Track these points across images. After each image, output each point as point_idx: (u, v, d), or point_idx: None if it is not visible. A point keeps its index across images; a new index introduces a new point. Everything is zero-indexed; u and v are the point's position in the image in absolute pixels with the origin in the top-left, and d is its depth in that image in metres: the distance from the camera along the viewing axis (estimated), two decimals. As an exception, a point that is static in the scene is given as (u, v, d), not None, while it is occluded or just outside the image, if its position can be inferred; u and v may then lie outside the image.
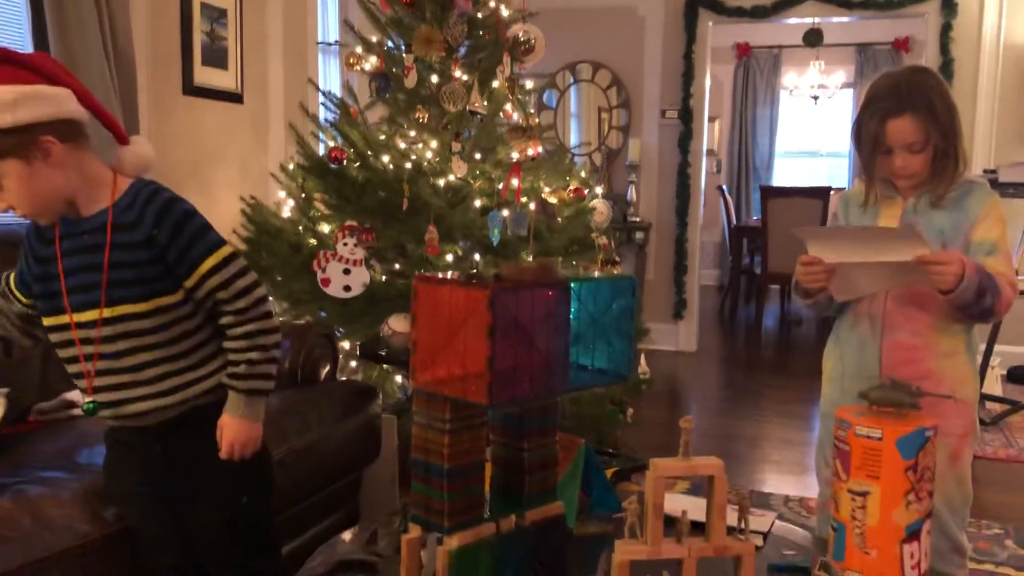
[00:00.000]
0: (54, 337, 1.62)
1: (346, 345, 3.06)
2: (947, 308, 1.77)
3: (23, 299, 1.68)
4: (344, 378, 2.94)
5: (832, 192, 6.44)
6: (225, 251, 1.62)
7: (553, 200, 3.14)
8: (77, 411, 2.19)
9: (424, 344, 1.38)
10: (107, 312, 1.56)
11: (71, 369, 1.62)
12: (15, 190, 1.51)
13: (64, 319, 1.59)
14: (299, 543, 2.16)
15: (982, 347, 4.17)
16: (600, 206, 3.37)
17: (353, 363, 3.19)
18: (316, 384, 2.56)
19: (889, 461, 1.26)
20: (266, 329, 1.64)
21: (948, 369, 1.83)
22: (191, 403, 1.62)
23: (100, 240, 1.56)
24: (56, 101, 1.52)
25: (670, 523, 1.10)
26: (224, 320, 1.63)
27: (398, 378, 3.09)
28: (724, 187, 8.04)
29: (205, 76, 3.56)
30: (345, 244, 2.89)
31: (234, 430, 1.61)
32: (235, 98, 3.76)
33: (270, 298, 1.63)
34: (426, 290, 1.38)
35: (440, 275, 1.72)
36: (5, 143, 1.47)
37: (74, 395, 2.22)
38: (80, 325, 1.58)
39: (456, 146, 3.00)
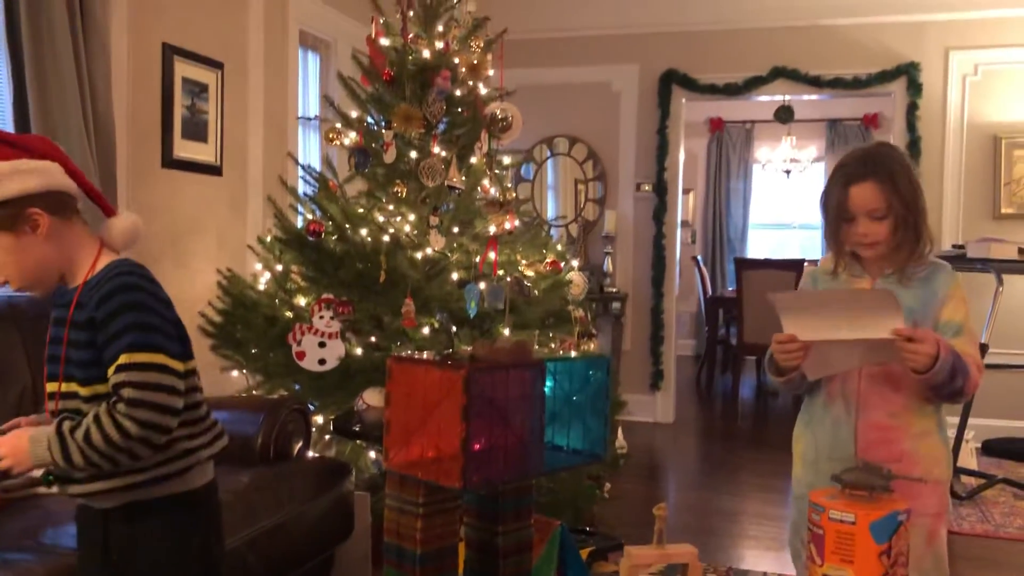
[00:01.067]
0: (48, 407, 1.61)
1: (320, 419, 3.03)
2: (920, 388, 1.78)
3: None
4: (317, 453, 2.90)
5: (806, 264, 6.54)
6: (152, 358, 1.49)
7: (530, 273, 3.17)
8: (42, 488, 2.14)
9: (398, 424, 1.37)
10: (63, 387, 1.56)
11: None
12: (6, 263, 1.52)
13: (51, 387, 1.59)
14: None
15: (953, 421, 4.20)
16: (576, 278, 3.40)
17: (327, 437, 3.15)
18: (288, 460, 2.53)
19: (862, 545, 1.26)
20: (132, 447, 1.47)
21: (922, 449, 1.84)
22: (131, 494, 1.54)
23: (65, 315, 1.56)
24: (43, 173, 1.53)
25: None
26: (115, 402, 1.49)
27: (372, 454, 3.06)
28: (699, 258, 8.13)
29: (185, 149, 3.59)
30: (321, 317, 2.88)
31: (16, 447, 1.50)
32: (214, 171, 3.79)
33: (160, 441, 1.51)
34: (401, 370, 1.38)
35: (415, 355, 1.72)
36: None
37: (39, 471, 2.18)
38: (50, 396, 1.57)
39: (434, 220, 3.03)
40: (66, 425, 1.48)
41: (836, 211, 1.88)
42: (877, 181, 1.82)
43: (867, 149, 1.90)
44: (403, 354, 1.70)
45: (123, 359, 1.48)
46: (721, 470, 4.92)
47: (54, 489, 1.57)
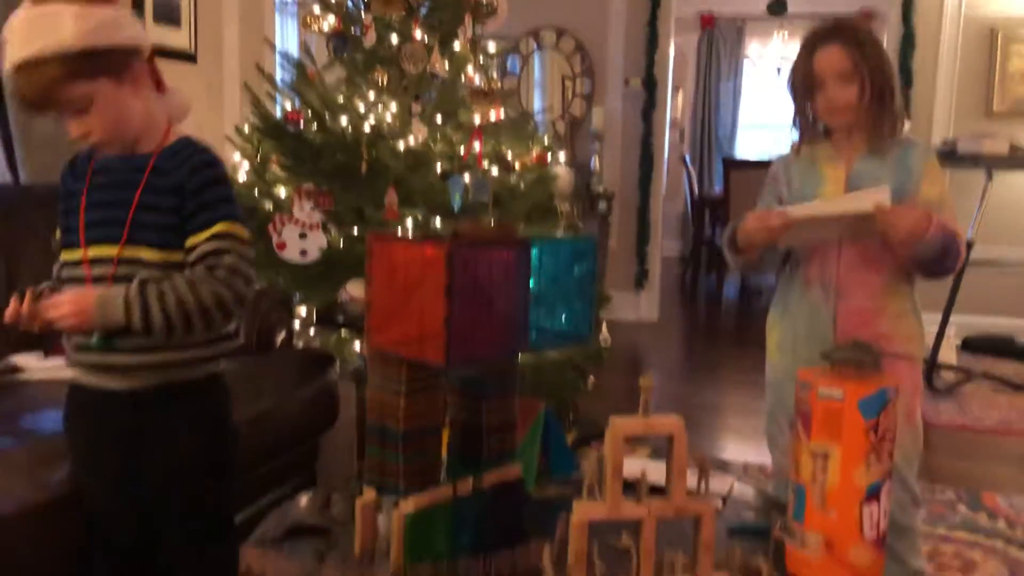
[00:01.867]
0: (66, 273, 1.54)
1: (303, 311, 3.00)
2: (898, 269, 1.79)
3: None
4: (301, 344, 2.89)
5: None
6: (245, 234, 1.55)
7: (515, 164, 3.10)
8: (23, 375, 2.12)
9: (379, 304, 1.34)
10: (125, 251, 1.50)
11: None
12: (99, 111, 1.46)
13: (77, 254, 1.52)
14: (254, 510, 2.11)
15: (935, 318, 4.23)
16: (562, 172, 3.34)
17: (311, 331, 3.13)
18: (271, 351, 2.51)
19: (850, 422, 1.25)
20: (213, 315, 1.48)
21: (900, 329, 1.86)
22: (171, 373, 1.52)
23: (136, 179, 1.52)
24: (142, 31, 1.54)
25: (630, 488, 1.08)
26: (194, 271, 1.50)
27: (356, 345, 3.04)
28: (687, 158, 8.04)
29: (156, 34, 3.44)
30: (302, 208, 2.82)
31: (82, 306, 1.45)
32: (188, 57, 3.65)
33: (237, 314, 1.55)
34: (381, 249, 1.33)
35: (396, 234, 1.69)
36: (104, 61, 1.44)
37: (22, 359, 2.15)
38: (94, 261, 1.51)
39: (416, 108, 2.94)
40: (151, 287, 1.45)
41: (803, 82, 1.84)
42: (843, 43, 1.79)
43: (832, 19, 1.86)
44: (384, 233, 1.66)
45: (221, 228, 1.51)
46: (703, 366, 4.97)
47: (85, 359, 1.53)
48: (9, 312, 1.45)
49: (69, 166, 1.60)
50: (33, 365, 2.13)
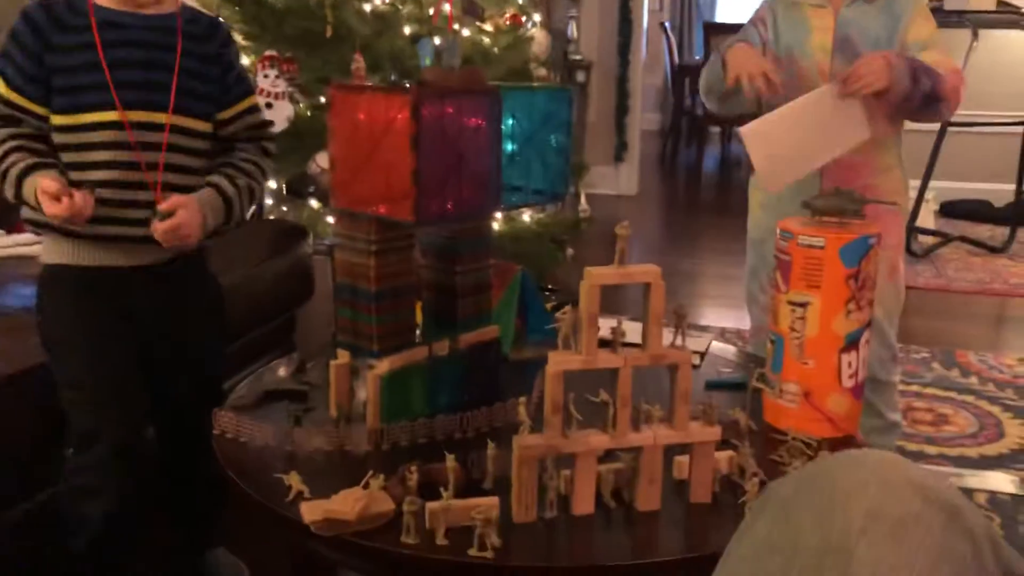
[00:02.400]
0: (94, 137, 1.40)
1: (272, 183, 2.92)
2: (884, 123, 1.74)
3: (31, 104, 1.41)
4: (272, 217, 2.83)
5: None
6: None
7: (488, 28, 2.98)
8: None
9: (344, 160, 1.28)
10: (175, 119, 1.45)
11: (109, 176, 1.41)
12: None
13: (111, 115, 1.40)
14: (233, 382, 2.11)
15: (915, 184, 4.20)
16: (539, 35, 3.21)
17: (283, 207, 3.06)
18: (241, 223, 2.44)
19: (831, 270, 1.23)
20: (264, 181, 1.61)
21: (886, 183, 1.83)
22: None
23: (168, 42, 1.46)
24: None
25: (606, 346, 1.05)
26: (248, 150, 1.58)
27: (329, 219, 2.98)
28: (667, 24, 7.80)
29: None
30: (266, 76, 2.70)
31: (191, 220, 1.41)
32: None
33: None
34: (344, 100, 1.26)
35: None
36: None
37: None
38: (137, 126, 1.42)
39: (382, -33, 2.79)
40: (240, 181, 1.52)
41: None
42: None
43: None
44: (345, 83, 1.58)
45: (253, 99, 1.58)
46: (683, 237, 4.96)
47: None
48: (64, 207, 1.32)
49: (43, 10, 1.40)
50: (-5, 242, 2.07)
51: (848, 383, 1.28)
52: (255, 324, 2.26)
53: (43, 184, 1.33)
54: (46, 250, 1.50)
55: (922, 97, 1.67)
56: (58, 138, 1.42)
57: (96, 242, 1.44)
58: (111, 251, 1.45)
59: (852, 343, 1.26)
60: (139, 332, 1.49)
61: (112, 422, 1.40)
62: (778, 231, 1.29)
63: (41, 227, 1.45)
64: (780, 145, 1.68)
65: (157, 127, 1.43)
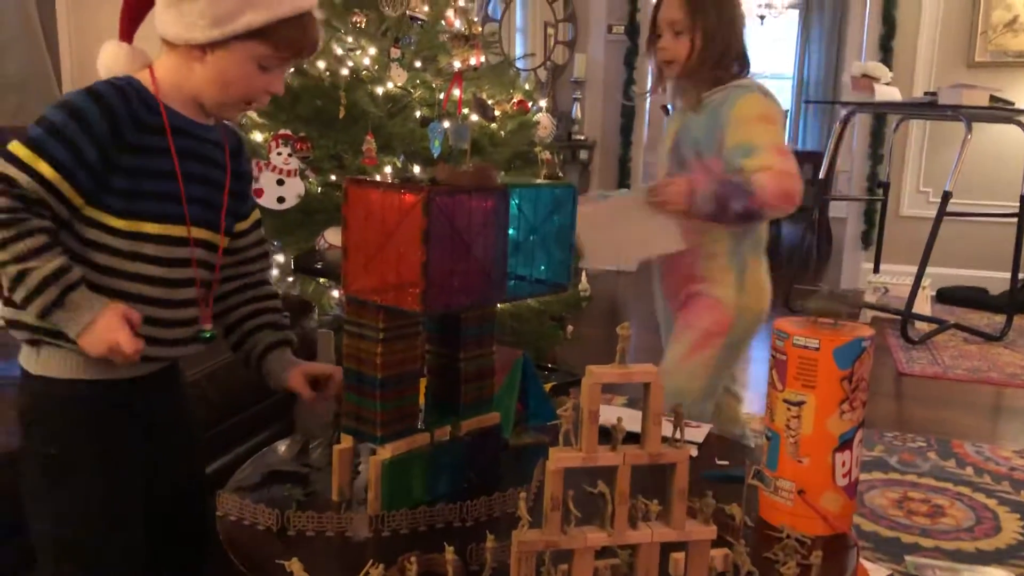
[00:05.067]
0: (148, 249, 1.29)
1: (280, 259, 2.98)
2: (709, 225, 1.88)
3: (75, 194, 1.23)
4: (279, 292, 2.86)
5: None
6: None
7: (496, 113, 3.06)
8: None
9: (356, 250, 1.33)
10: (224, 241, 1.42)
11: (158, 293, 1.31)
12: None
13: (180, 231, 1.32)
14: (231, 457, 2.12)
15: (911, 270, 4.25)
16: (544, 119, 3.30)
17: (290, 279, 3.11)
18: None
19: (825, 371, 1.26)
20: None
21: (710, 270, 1.94)
22: None
23: (218, 157, 1.40)
24: None
25: (606, 435, 1.08)
26: (258, 272, 1.54)
27: (335, 293, 3.03)
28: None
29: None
30: (279, 153, 2.78)
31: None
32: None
33: None
34: (358, 193, 1.32)
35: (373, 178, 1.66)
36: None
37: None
38: (198, 244, 1.36)
39: (395, 53, 2.89)
40: (289, 334, 1.55)
41: (651, 26, 1.94)
42: None
43: None
44: (361, 177, 1.64)
45: (257, 213, 1.54)
46: (683, 316, 4.99)
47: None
48: (135, 349, 1.21)
49: (121, 99, 1.25)
50: None
51: (842, 481, 1.30)
52: (256, 400, 2.28)
53: (127, 316, 1.20)
54: (41, 361, 1.30)
55: (735, 217, 1.77)
56: (109, 241, 1.27)
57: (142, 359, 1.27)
58: (130, 365, 1.28)
59: (846, 443, 1.29)
60: (153, 451, 1.40)
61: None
62: (774, 330, 1.33)
63: (39, 333, 1.27)
64: (603, 231, 1.82)
65: (211, 247, 1.39)
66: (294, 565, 1.09)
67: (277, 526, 1.24)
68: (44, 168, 1.20)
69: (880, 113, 5.22)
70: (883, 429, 3.17)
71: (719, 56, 1.85)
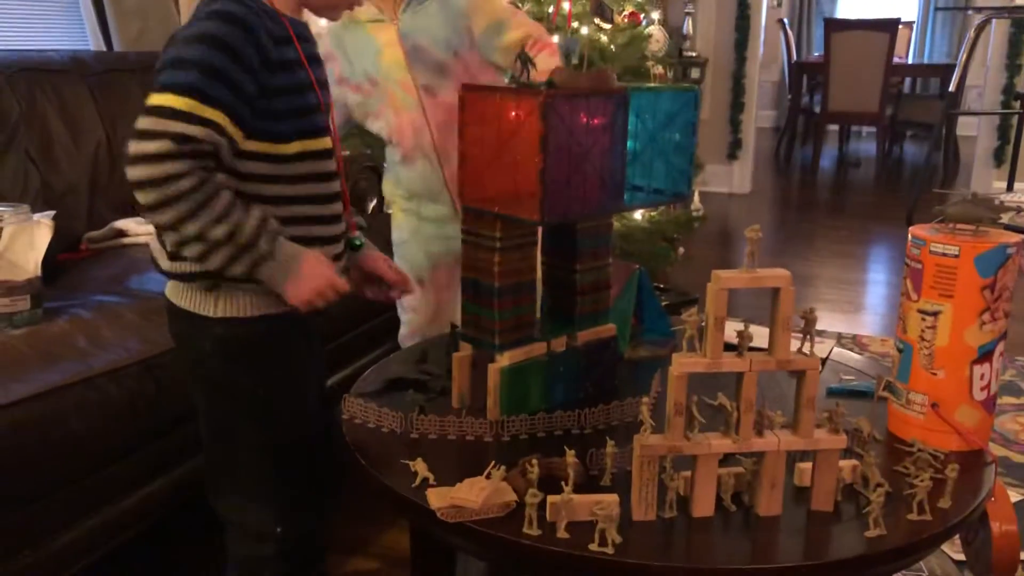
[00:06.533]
0: (300, 168, 1.24)
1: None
2: None
3: (241, 136, 1.16)
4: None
5: (900, 26, 6.05)
6: None
7: (607, 26, 2.98)
8: (127, 239, 2.19)
9: (472, 159, 1.31)
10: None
11: (318, 211, 1.28)
12: None
13: (326, 142, 1.27)
14: (351, 371, 2.18)
15: None
16: (657, 33, 3.20)
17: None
18: (362, 216, 2.52)
19: (965, 279, 1.19)
20: None
21: None
22: None
23: (317, 53, 1.32)
24: None
25: (730, 349, 1.05)
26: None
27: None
28: (785, 20, 7.62)
29: None
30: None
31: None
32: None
33: None
34: (474, 99, 1.30)
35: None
36: None
37: (124, 224, 2.21)
38: (327, 154, 1.29)
39: (503, -34, 2.83)
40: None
41: None
42: None
43: None
44: (477, 83, 1.62)
45: None
46: (797, 237, 4.84)
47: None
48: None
49: (252, 11, 1.16)
50: (135, 229, 2.19)
51: (980, 395, 1.24)
52: (372, 314, 2.33)
53: (333, 281, 1.22)
54: (221, 305, 1.24)
55: None
56: (259, 168, 1.20)
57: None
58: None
59: (985, 355, 1.22)
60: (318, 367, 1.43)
61: (295, 525, 1.35)
62: (909, 237, 1.26)
63: (217, 279, 1.21)
64: None
65: (330, 155, 1.31)
66: (419, 465, 1.12)
67: (401, 429, 1.27)
68: (213, 114, 1.10)
69: (1020, 19, 4.84)
70: (1013, 354, 3.01)
71: None
